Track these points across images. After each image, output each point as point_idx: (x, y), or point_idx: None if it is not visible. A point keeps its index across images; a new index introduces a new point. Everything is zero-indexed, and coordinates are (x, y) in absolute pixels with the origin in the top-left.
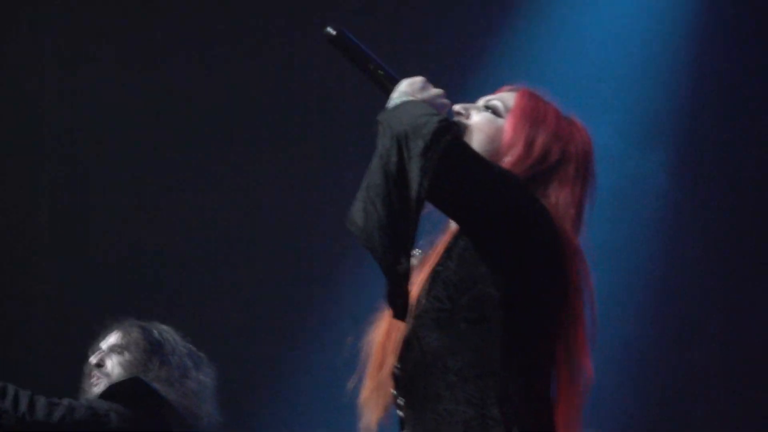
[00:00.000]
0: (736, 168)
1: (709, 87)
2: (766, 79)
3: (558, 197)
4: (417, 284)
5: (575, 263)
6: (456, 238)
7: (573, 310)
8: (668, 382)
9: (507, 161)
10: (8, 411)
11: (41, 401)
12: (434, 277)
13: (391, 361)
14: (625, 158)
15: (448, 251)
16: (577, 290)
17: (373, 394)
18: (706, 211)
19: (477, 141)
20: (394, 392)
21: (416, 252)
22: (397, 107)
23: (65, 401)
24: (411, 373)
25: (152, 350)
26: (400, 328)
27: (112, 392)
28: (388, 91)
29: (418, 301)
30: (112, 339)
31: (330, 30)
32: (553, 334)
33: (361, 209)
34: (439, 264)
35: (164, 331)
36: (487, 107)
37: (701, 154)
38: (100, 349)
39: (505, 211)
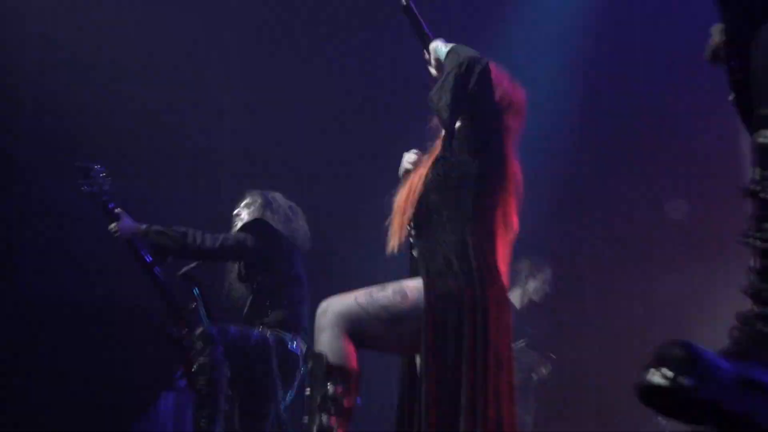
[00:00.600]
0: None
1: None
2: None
3: (510, 123)
4: (425, 166)
5: (513, 164)
6: (449, 139)
7: (509, 191)
8: None
9: None
10: (192, 244)
11: (208, 236)
12: (436, 161)
13: (410, 210)
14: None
15: (444, 147)
16: (513, 180)
17: (397, 229)
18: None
19: None
20: (410, 227)
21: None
22: (457, 46)
23: (221, 234)
24: (420, 217)
25: (265, 204)
26: (415, 191)
27: (245, 227)
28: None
29: (426, 175)
30: (244, 200)
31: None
32: (497, 199)
33: (438, 94)
34: (439, 154)
35: (274, 194)
36: None
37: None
38: (238, 206)
39: (489, 117)
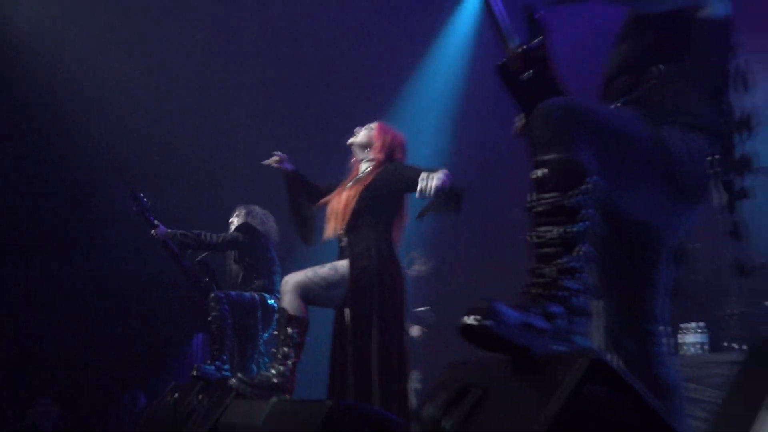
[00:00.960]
0: None
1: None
2: None
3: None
4: (362, 182)
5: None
6: (382, 167)
7: (404, 209)
8: None
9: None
10: (204, 241)
11: (214, 235)
12: (366, 187)
13: (347, 216)
14: None
15: (378, 172)
16: (406, 203)
17: (332, 225)
18: None
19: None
20: (343, 227)
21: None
22: None
23: (222, 234)
24: (351, 221)
25: (248, 213)
26: (349, 204)
27: (237, 229)
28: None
29: (359, 195)
30: (234, 212)
31: None
32: (398, 213)
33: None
34: (373, 176)
35: (254, 207)
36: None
37: None
38: (231, 216)
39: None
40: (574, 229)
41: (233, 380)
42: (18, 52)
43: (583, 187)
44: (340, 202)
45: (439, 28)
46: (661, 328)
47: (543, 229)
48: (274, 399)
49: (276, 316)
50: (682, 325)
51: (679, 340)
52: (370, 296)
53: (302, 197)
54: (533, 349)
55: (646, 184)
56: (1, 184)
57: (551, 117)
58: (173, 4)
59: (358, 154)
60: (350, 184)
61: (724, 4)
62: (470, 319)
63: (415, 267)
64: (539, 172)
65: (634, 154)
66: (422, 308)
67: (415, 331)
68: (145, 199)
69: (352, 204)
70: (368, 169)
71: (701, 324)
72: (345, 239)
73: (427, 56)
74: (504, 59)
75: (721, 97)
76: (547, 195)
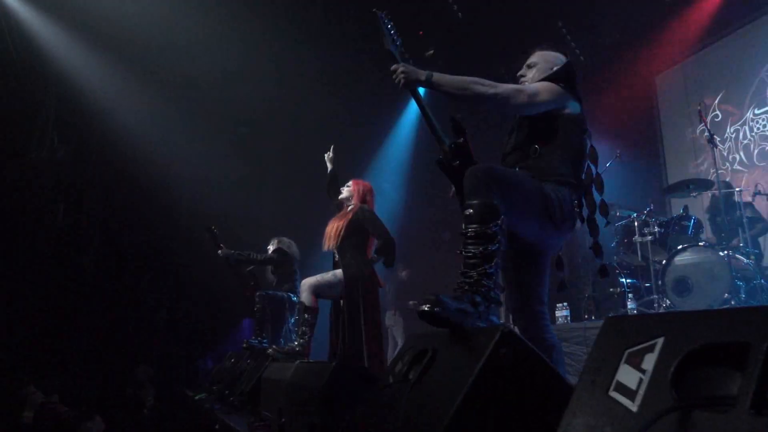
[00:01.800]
0: None
1: None
2: None
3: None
4: (346, 217)
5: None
6: (359, 208)
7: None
8: None
9: None
10: (252, 259)
11: (259, 255)
12: (352, 217)
13: (337, 238)
14: None
15: (355, 212)
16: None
17: (328, 243)
18: None
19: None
20: (336, 246)
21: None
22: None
23: (265, 254)
24: (341, 241)
25: (279, 242)
26: (341, 229)
27: (274, 251)
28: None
29: (346, 224)
30: (271, 241)
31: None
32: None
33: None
34: (352, 214)
35: (283, 238)
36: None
37: None
38: (269, 244)
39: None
40: (491, 248)
41: (270, 350)
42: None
43: (498, 221)
44: (333, 227)
45: (396, 116)
46: (545, 308)
47: (471, 247)
48: (297, 361)
49: (297, 307)
50: (557, 305)
51: (556, 314)
52: (356, 291)
53: (333, 183)
54: (464, 325)
55: (533, 218)
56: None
57: (476, 175)
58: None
59: (345, 202)
60: (340, 216)
61: (577, 105)
62: (425, 306)
63: (400, 273)
64: (468, 211)
65: (526, 199)
66: (411, 302)
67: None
68: (215, 231)
69: (341, 231)
70: (350, 208)
71: (565, 303)
72: (337, 255)
73: (390, 133)
74: (440, 156)
75: (581, 163)
76: (473, 225)
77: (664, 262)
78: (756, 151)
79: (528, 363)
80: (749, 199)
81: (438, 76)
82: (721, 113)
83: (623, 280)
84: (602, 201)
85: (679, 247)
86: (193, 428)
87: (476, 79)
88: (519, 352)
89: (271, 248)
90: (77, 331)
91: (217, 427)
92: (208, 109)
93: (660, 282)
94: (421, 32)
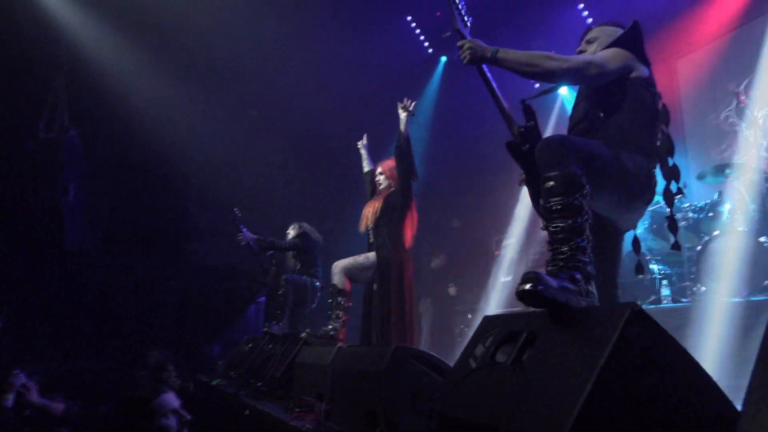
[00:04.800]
0: None
1: None
2: None
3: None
4: (379, 200)
5: (414, 203)
6: (394, 192)
7: (413, 213)
8: None
9: None
10: (275, 244)
11: (281, 240)
12: (386, 198)
13: (372, 219)
14: None
15: (392, 193)
16: (413, 209)
17: (364, 224)
18: None
19: None
20: (370, 225)
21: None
22: None
23: (286, 240)
24: (376, 222)
25: (301, 226)
26: (376, 211)
27: (297, 236)
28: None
29: (381, 204)
30: (291, 226)
31: None
32: (407, 215)
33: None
34: (388, 195)
35: (302, 222)
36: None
37: None
38: (289, 228)
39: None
40: (580, 220)
41: (304, 334)
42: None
43: (584, 191)
44: (370, 209)
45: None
46: (618, 291)
47: (558, 221)
48: (338, 345)
49: (319, 293)
50: None
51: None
52: (389, 273)
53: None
54: (570, 305)
55: (612, 190)
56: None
57: (550, 146)
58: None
59: (382, 183)
60: (377, 197)
61: (645, 69)
62: (527, 285)
63: (435, 261)
64: (549, 183)
65: (603, 169)
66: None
67: (452, 291)
68: (238, 213)
69: (378, 210)
70: (386, 187)
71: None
72: (372, 236)
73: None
74: (510, 139)
75: (653, 129)
76: (556, 198)
77: (699, 248)
78: None
79: (661, 345)
80: None
81: (504, 52)
82: (748, 99)
83: (653, 266)
84: (674, 165)
85: (716, 232)
86: (221, 414)
87: (545, 53)
88: (651, 333)
89: (291, 233)
90: (84, 315)
91: (247, 412)
92: (226, 90)
93: (695, 268)
94: (438, 13)
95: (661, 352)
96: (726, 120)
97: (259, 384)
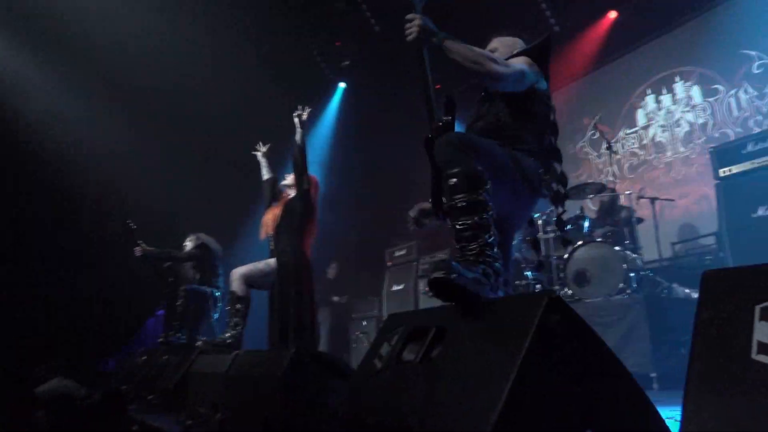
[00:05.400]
0: None
1: None
2: None
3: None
4: (280, 207)
5: (316, 210)
6: (293, 198)
7: (314, 220)
8: None
9: None
10: (173, 256)
11: (179, 252)
12: (286, 205)
13: (273, 225)
14: None
15: (291, 199)
16: (315, 216)
17: (264, 231)
18: None
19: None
20: (270, 232)
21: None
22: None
23: (185, 251)
24: (277, 228)
25: (198, 237)
26: (276, 218)
27: (195, 246)
28: None
29: (282, 211)
30: (188, 238)
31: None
32: (309, 222)
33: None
34: (288, 201)
35: (200, 233)
36: None
37: None
38: (186, 240)
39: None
40: (486, 216)
41: (199, 343)
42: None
43: (487, 187)
44: (270, 215)
45: (318, 111)
46: (510, 288)
47: (464, 219)
48: (234, 352)
49: (220, 303)
50: None
51: None
52: (289, 279)
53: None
54: (482, 297)
55: (509, 186)
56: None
57: (452, 143)
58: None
59: (286, 189)
60: (278, 204)
61: (545, 82)
62: (439, 273)
63: (329, 271)
64: (452, 181)
65: (501, 166)
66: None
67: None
68: (132, 225)
69: (278, 217)
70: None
71: None
72: (273, 243)
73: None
74: (428, 133)
75: (544, 139)
76: (460, 195)
77: (565, 256)
78: (626, 165)
79: (579, 334)
80: (628, 203)
81: (452, 42)
82: (598, 132)
83: (528, 273)
84: (562, 172)
85: (579, 243)
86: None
87: (492, 54)
88: (569, 321)
89: (189, 245)
90: None
91: (135, 428)
92: (121, 99)
93: (561, 275)
94: (338, 42)
95: (578, 341)
96: (581, 149)
97: (151, 397)
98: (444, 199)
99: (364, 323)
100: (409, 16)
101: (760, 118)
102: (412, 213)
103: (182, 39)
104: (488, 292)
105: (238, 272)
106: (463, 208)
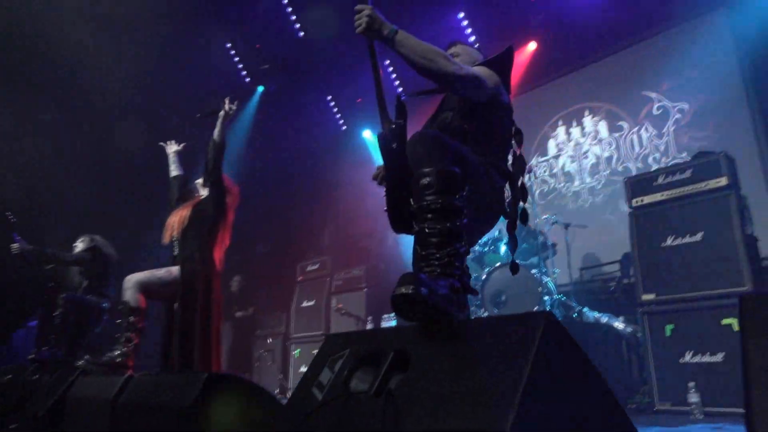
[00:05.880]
0: None
1: None
2: None
3: (230, 201)
4: (187, 208)
5: (230, 216)
6: (204, 200)
7: (226, 227)
8: None
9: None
10: (58, 257)
11: (66, 253)
12: (194, 207)
13: (178, 229)
14: None
15: (202, 201)
16: (228, 222)
17: (168, 234)
18: None
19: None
20: (175, 236)
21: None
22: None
23: (73, 253)
24: (183, 233)
25: (92, 239)
26: (183, 221)
27: (86, 249)
28: None
29: (189, 214)
30: (79, 239)
31: None
32: (219, 229)
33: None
34: (197, 203)
35: (94, 235)
36: None
37: None
38: (76, 242)
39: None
40: (459, 223)
41: (81, 361)
42: None
43: (464, 192)
44: (176, 217)
45: None
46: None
47: (434, 223)
48: (126, 374)
49: (106, 316)
50: (383, 315)
51: (382, 325)
52: (194, 290)
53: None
54: (454, 316)
55: (478, 197)
56: None
57: (428, 140)
58: None
59: (196, 190)
60: (186, 205)
61: (507, 95)
62: (407, 288)
63: (233, 284)
64: (425, 180)
65: (474, 173)
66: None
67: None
68: (13, 219)
69: (185, 219)
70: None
71: (392, 314)
72: (177, 248)
73: None
74: (381, 131)
75: (507, 152)
76: (433, 196)
77: (483, 277)
78: (537, 192)
79: (573, 358)
80: (544, 228)
81: (404, 36)
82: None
83: None
84: (523, 185)
85: (497, 264)
86: None
87: (443, 52)
88: (564, 345)
89: (79, 246)
90: None
91: None
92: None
93: (480, 295)
94: (258, 45)
95: (573, 365)
96: None
97: (14, 426)
98: (411, 201)
99: (269, 341)
100: (358, 7)
101: (658, 155)
102: (379, 169)
103: (85, 31)
104: (457, 312)
105: (133, 279)
106: (435, 210)
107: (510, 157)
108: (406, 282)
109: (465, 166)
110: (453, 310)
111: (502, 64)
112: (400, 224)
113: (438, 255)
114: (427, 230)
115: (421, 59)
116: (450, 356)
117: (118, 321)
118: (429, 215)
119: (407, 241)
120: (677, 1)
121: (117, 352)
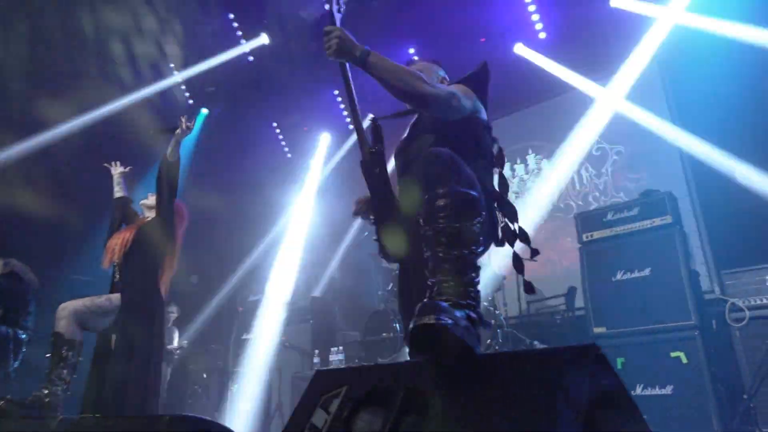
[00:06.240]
0: None
1: None
2: None
3: (179, 223)
4: (131, 231)
5: (178, 243)
6: (150, 222)
7: (174, 253)
8: None
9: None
10: None
11: None
12: (139, 229)
13: (120, 253)
14: None
15: (147, 223)
16: (177, 249)
17: (108, 258)
18: None
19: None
20: (116, 260)
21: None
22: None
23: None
24: (127, 257)
25: (6, 264)
26: (126, 243)
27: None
28: None
29: (134, 237)
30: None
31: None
32: (167, 255)
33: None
34: (142, 225)
35: (12, 260)
36: None
37: None
38: None
39: (171, 219)
40: (478, 251)
41: (1, 402)
42: None
43: (482, 218)
44: (119, 239)
45: None
46: None
47: (448, 248)
48: (58, 417)
49: (23, 349)
50: (332, 348)
51: (330, 358)
52: (135, 319)
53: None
54: (476, 350)
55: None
56: None
57: (443, 160)
58: None
59: (145, 210)
60: (130, 227)
61: (484, 112)
62: (430, 318)
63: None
64: (441, 201)
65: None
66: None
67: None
68: None
69: (128, 242)
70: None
71: (341, 348)
72: (118, 274)
73: None
74: (362, 158)
75: (491, 171)
76: (449, 221)
77: None
78: None
79: (618, 394)
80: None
81: (377, 57)
82: None
83: (396, 325)
84: (511, 204)
85: None
86: None
87: (418, 73)
88: (610, 382)
89: None
90: None
91: None
92: None
93: None
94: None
95: (617, 402)
96: None
97: None
98: (421, 221)
99: (204, 375)
100: (327, 28)
101: (597, 194)
102: (359, 203)
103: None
104: (477, 345)
105: (69, 307)
106: (452, 234)
107: (495, 177)
108: (427, 311)
109: (477, 189)
110: (474, 344)
111: (478, 81)
112: (385, 254)
113: (453, 283)
114: (440, 254)
115: (395, 81)
116: (474, 397)
117: (49, 355)
118: (443, 239)
119: (356, 272)
120: (613, 55)
121: (46, 391)
